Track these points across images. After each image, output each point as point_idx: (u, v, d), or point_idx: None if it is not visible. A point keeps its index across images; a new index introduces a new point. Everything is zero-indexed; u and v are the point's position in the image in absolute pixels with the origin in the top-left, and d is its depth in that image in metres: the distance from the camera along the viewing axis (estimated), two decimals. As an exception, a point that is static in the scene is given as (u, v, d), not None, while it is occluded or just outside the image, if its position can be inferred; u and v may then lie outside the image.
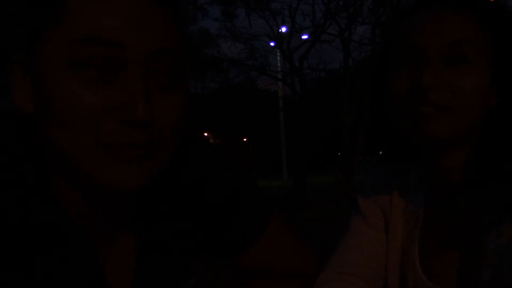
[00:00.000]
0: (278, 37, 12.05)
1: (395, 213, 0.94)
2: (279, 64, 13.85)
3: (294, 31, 11.58)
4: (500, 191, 0.78)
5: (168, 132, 0.64)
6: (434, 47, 0.79)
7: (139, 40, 0.60)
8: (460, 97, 0.78)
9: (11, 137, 0.68)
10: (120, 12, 0.59)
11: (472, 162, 0.82)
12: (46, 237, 0.67)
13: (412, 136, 0.82)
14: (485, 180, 0.80)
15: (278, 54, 13.25)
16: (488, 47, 0.79)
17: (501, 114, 0.80)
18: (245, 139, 31.43)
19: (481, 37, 0.79)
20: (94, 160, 0.61)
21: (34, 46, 0.62)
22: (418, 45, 0.80)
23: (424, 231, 0.90)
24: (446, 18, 0.80)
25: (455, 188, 0.84)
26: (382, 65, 0.89)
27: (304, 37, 12.14)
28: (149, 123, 0.60)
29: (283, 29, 12.32)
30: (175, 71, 0.64)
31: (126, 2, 0.60)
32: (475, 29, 0.80)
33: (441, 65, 0.79)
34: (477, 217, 0.81)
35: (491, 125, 0.80)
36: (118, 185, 0.62)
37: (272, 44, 12.58)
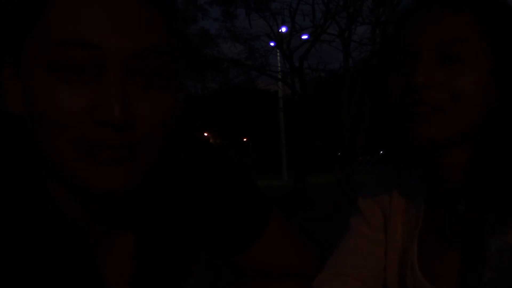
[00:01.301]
0: (278, 37, 12.05)
1: (395, 213, 0.94)
2: (279, 64, 13.86)
3: (294, 31, 11.59)
4: (502, 192, 0.77)
5: (151, 131, 0.63)
6: (428, 46, 0.78)
7: (117, 41, 0.59)
8: (455, 98, 0.77)
9: (8, 137, 0.68)
10: (98, 13, 0.59)
11: (473, 162, 0.81)
12: (45, 238, 0.67)
13: (409, 140, 0.81)
14: (486, 180, 0.79)
15: (278, 54, 13.26)
16: (486, 46, 0.78)
17: (501, 113, 0.79)
18: (245, 139, 31.42)
19: (479, 36, 0.78)
20: (76, 162, 0.61)
21: (20, 50, 0.62)
22: (413, 45, 0.80)
23: (424, 232, 0.90)
24: (445, 18, 0.80)
25: (456, 188, 0.84)
26: (382, 66, 0.88)
27: (304, 37, 12.17)
28: (127, 124, 0.60)
29: (283, 29, 12.34)
30: (161, 70, 0.63)
31: (106, 3, 0.59)
32: (472, 28, 0.78)
33: (435, 64, 0.78)
34: (479, 218, 0.81)
35: (492, 124, 0.79)
36: (101, 187, 0.62)
37: (272, 44, 12.59)
